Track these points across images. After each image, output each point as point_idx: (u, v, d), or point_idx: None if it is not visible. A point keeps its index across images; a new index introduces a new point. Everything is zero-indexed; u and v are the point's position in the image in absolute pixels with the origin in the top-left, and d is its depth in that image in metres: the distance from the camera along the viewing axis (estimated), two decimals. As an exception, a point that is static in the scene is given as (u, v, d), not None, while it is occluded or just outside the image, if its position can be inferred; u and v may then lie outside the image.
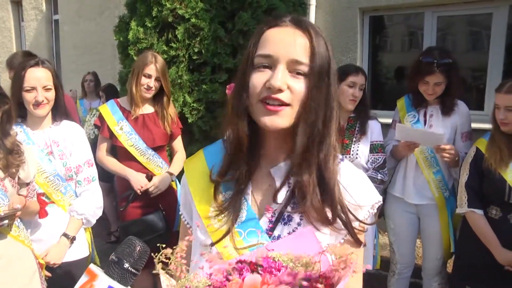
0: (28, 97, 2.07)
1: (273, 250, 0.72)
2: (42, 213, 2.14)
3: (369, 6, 4.30)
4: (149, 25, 3.36)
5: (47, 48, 7.83)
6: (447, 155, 2.45)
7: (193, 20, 3.23)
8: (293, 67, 0.83)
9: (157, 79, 2.62)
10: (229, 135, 0.92)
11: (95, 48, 6.76)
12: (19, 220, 1.96)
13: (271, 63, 0.84)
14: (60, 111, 2.22)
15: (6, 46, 8.85)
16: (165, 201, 2.71)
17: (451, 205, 2.60)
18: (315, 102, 0.84)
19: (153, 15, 3.34)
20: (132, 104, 2.65)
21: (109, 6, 6.47)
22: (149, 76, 2.60)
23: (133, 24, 3.43)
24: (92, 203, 2.23)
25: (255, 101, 0.85)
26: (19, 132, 2.13)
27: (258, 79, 0.84)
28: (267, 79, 0.82)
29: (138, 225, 2.40)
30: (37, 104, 2.08)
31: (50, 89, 2.11)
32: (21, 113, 2.16)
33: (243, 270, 0.68)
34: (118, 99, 2.78)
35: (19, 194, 1.96)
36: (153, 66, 2.59)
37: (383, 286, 2.98)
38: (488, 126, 2.36)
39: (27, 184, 2.01)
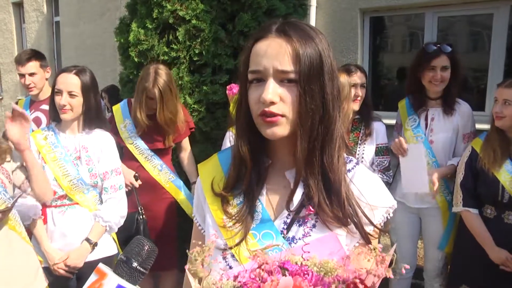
0: (56, 99, 2.16)
1: (308, 252, 0.72)
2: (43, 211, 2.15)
3: (369, 7, 4.30)
4: (150, 26, 3.36)
5: (48, 49, 7.85)
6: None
7: (193, 21, 3.23)
8: (282, 77, 0.85)
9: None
10: (233, 151, 0.95)
11: (95, 50, 6.78)
12: (18, 218, 1.96)
13: (262, 77, 0.87)
14: (90, 119, 2.23)
15: (7, 48, 8.88)
16: (158, 206, 2.69)
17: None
18: (309, 106, 0.85)
19: (154, 17, 3.34)
20: (137, 125, 2.64)
21: (110, 8, 6.48)
22: (152, 98, 2.59)
23: (133, 25, 3.43)
24: (117, 211, 2.24)
25: (255, 116, 0.88)
26: (50, 136, 2.21)
27: (253, 94, 0.88)
28: (260, 94, 0.85)
29: None
30: (60, 108, 2.14)
31: (75, 96, 2.15)
32: (57, 117, 2.21)
33: (275, 272, 0.68)
34: (133, 98, 2.78)
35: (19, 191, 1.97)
36: (153, 90, 2.55)
37: (384, 286, 2.97)
38: (489, 126, 2.35)
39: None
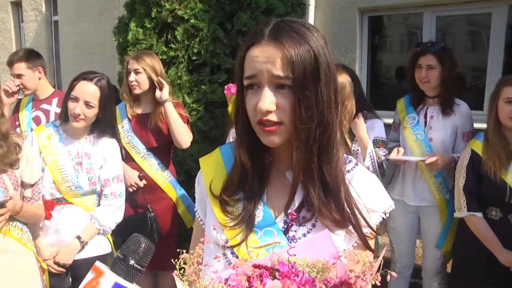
0: (70, 106, 2.10)
1: (294, 255, 0.72)
2: (48, 215, 2.14)
3: (368, 6, 4.30)
4: (148, 26, 3.36)
5: (46, 49, 7.83)
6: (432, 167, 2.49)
7: (192, 21, 3.23)
8: (277, 82, 0.84)
9: (139, 72, 2.57)
10: (235, 155, 0.94)
11: (94, 49, 6.77)
12: (22, 222, 1.96)
13: (257, 82, 0.85)
14: (100, 128, 2.21)
15: (6, 47, 8.85)
16: (157, 206, 2.69)
17: (452, 206, 2.57)
18: (304, 115, 0.83)
19: (152, 16, 3.34)
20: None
21: (108, 7, 6.48)
22: (129, 72, 2.59)
23: (132, 25, 3.43)
24: (113, 217, 2.25)
25: (253, 123, 0.88)
26: (54, 136, 2.18)
27: (250, 102, 0.87)
28: (257, 101, 0.84)
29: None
30: (74, 116, 2.09)
31: (92, 107, 2.10)
32: (65, 118, 2.17)
33: (263, 276, 0.68)
34: None
35: (23, 196, 1.95)
36: (131, 61, 2.57)
37: (382, 285, 2.97)
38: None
39: (32, 185, 1.99)
